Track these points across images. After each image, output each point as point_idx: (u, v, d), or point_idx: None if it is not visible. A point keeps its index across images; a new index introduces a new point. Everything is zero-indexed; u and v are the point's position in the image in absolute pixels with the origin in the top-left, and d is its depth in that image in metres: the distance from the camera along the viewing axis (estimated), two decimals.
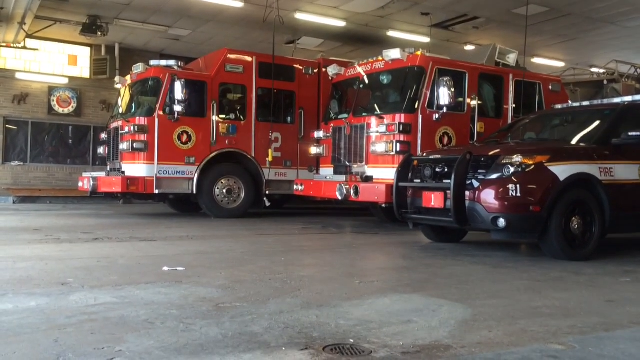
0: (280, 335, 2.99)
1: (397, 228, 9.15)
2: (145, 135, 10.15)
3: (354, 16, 13.53)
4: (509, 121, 9.58)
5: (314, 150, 10.49)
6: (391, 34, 14.54)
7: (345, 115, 9.65)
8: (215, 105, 10.62)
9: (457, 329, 3.21)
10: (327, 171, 9.99)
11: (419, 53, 8.99)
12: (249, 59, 11.13)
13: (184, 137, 10.33)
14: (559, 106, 8.30)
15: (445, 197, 6.16)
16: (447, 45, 15.27)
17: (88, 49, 16.49)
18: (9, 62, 15.70)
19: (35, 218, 10.23)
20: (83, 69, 16.55)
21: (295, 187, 10.33)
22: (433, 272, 5.16)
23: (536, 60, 16.66)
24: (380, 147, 8.78)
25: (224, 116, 10.87)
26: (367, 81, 9.61)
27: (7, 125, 15.86)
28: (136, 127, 10.18)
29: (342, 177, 9.14)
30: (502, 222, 5.72)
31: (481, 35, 14.79)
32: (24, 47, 15.16)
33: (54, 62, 16.22)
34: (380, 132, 8.85)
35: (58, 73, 16.23)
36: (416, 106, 8.71)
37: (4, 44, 14.98)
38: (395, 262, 5.74)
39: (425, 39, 14.41)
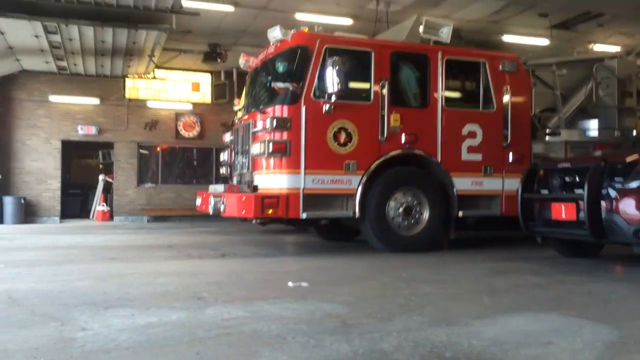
0: (412, 354, 2.92)
1: (521, 241, 8.67)
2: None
3: (466, 23, 13.15)
4: (439, 110, 7.75)
5: (221, 157, 9.18)
6: (506, 38, 13.95)
7: (241, 114, 8.50)
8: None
9: (605, 352, 2.95)
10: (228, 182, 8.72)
11: (306, 30, 7.50)
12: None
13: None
14: None
15: (577, 209, 5.75)
16: (569, 46, 14.36)
17: (209, 76, 17.55)
18: (141, 92, 17.14)
19: (168, 236, 10.98)
20: (205, 95, 17.63)
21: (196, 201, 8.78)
22: (568, 290, 4.81)
23: None
24: (255, 149, 7.34)
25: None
26: (260, 71, 8.28)
27: (140, 151, 17.28)
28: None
29: (222, 188, 7.81)
30: None
31: (607, 33, 13.74)
32: (154, 78, 16.52)
33: (180, 90, 17.46)
34: (258, 131, 7.37)
35: (183, 99, 17.45)
36: (298, 96, 7.10)
37: (137, 76, 16.42)
38: (524, 278, 5.43)
39: (545, 41, 13.66)
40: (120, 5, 10.58)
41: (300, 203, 7.05)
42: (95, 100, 16.59)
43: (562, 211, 5.97)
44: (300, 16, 12.29)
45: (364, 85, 7.54)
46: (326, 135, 7.20)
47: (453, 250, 8.12)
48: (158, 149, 17.48)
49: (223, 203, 7.43)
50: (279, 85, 7.49)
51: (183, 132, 17.46)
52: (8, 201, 15.33)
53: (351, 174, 7.31)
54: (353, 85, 7.40)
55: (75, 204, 17.95)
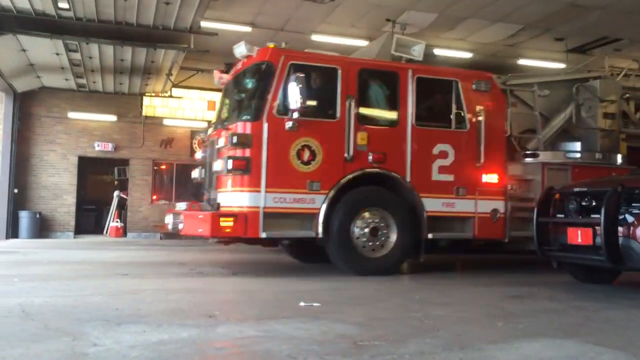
0: None
1: (536, 266, 8.56)
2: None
3: (481, 47, 13.24)
4: (409, 129, 7.56)
5: (193, 174, 8.94)
6: (522, 62, 13.99)
7: (210, 130, 8.40)
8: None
9: None
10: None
11: (271, 46, 7.28)
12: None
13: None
14: None
15: (594, 234, 5.67)
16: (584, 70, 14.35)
17: None
18: (157, 110, 17.35)
19: (180, 253, 11.02)
20: None
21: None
22: (585, 316, 4.72)
23: None
24: (217, 165, 7.29)
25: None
26: (229, 87, 8.23)
27: (155, 168, 17.43)
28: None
29: (184, 206, 7.70)
30: None
31: (624, 58, 13.71)
32: (171, 96, 16.74)
33: (196, 108, 17.65)
34: (221, 148, 7.30)
35: (199, 118, 17.62)
36: (260, 112, 6.97)
37: (154, 94, 16.65)
38: (540, 304, 5.35)
39: (561, 65, 13.66)
40: (140, 24, 10.80)
41: (260, 222, 6.84)
42: (112, 118, 16.83)
43: (578, 236, 5.89)
44: (316, 37, 12.44)
45: (330, 103, 7.34)
46: (289, 153, 7.01)
47: (466, 274, 8.05)
48: (165, 166, 17.62)
49: (181, 221, 7.30)
50: (243, 101, 7.48)
51: (198, 150, 17.59)
52: (23, 215, 15.52)
53: (314, 192, 7.07)
54: (318, 102, 7.23)
55: (89, 219, 18.12)
